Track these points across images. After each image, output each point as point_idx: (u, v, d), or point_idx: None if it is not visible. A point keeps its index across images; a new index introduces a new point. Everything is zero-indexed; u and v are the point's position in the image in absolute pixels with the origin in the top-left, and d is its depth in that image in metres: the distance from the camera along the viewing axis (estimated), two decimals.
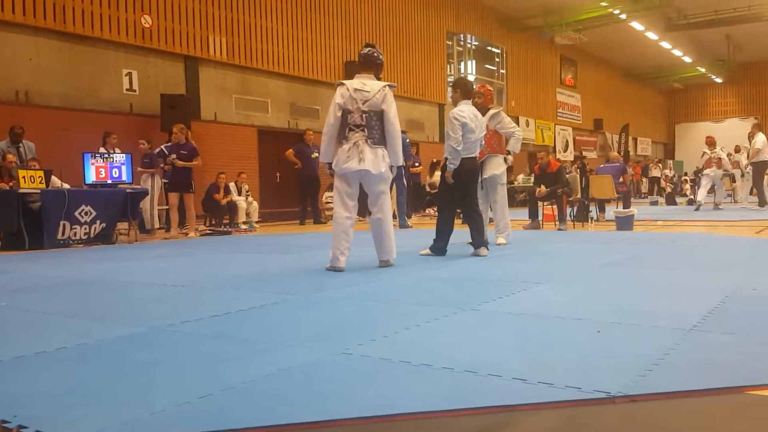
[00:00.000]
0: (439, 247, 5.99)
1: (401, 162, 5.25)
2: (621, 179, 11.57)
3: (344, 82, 5.11)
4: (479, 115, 6.20)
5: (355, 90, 4.97)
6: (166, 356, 2.57)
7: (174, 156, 9.31)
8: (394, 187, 10.15)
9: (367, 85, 5.01)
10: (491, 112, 6.97)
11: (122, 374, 2.34)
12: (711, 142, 13.85)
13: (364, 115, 4.96)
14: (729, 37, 26.96)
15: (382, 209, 5.16)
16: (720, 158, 13.59)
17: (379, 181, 5.08)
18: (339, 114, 4.99)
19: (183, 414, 1.89)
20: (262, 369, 2.32)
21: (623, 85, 31.20)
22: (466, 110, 5.99)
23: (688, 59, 28.92)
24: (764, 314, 3.13)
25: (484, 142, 6.46)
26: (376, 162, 4.99)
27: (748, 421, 1.83)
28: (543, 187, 9.35)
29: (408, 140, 10.87)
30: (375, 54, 5.17)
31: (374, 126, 4.98)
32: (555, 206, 9.58)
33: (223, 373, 2.29)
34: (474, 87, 6.61)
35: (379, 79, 5.17)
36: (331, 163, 5.10)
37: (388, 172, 5.13)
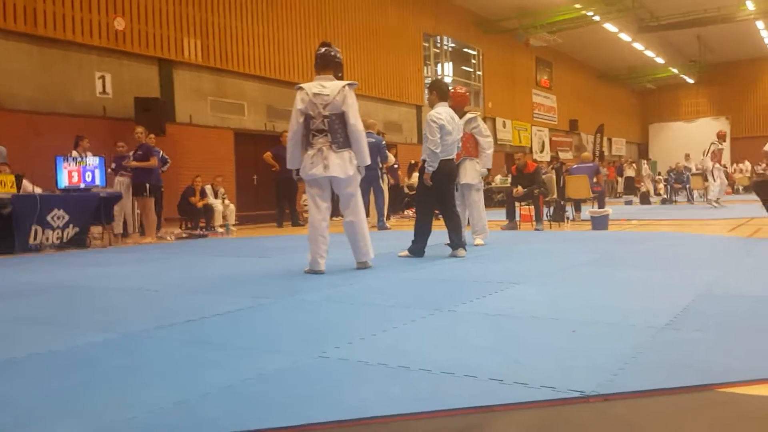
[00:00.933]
0: (417, 249, 6.00)
1: (367, 162, 5.15)
2: (595, 179, 11.71)
3: (303, 86, 5.02)
4: (456, 117, 6.24)
5: (315, 94, 4.90)
6: (140, 362, 2.55)
7: (130, 158, 9.25)
8: (371, 190, 10.15)
9: (326, 87, 4.92)
10: (468, 116, 6.98)
11: (95, 381, 2.31)
12: (722, 135, 14.10)
13: (326, 120, 4.91)
14: (700, 39, 27.44)
15: (354, 212, 5.14)
16: (721, 150, 13.87)
17: (347, 184, 5.05)
18: (301, 120, 4.96)
19: (158, 421, 1.87)
20: (239, 374, 2.31)
21: (598, 86, 31.58)
22: (443, 112, 6.02)
23: (660, 60, 29.39)
24: (734, 313, 3.19)
25: (460, 144, 6.50)
26: (343, 166, 4.96)
27: (717, 419, 1.86)
28: (520, 188, 9.43)
29: (384, 142, 10.86)
30: (332, 53, 5.07)
31: (337, 130, 4.93)
32: (532, 206, 9.66)
33: (199, 379, 2.27)
34: (454, 89, 6.63)
35: (338, 78, 5.07)
36: (298, 170, 5.09)
37: (356, 174, 5.10)
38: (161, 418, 1.89)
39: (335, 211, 5.79)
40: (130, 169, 9.39)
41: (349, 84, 5.00)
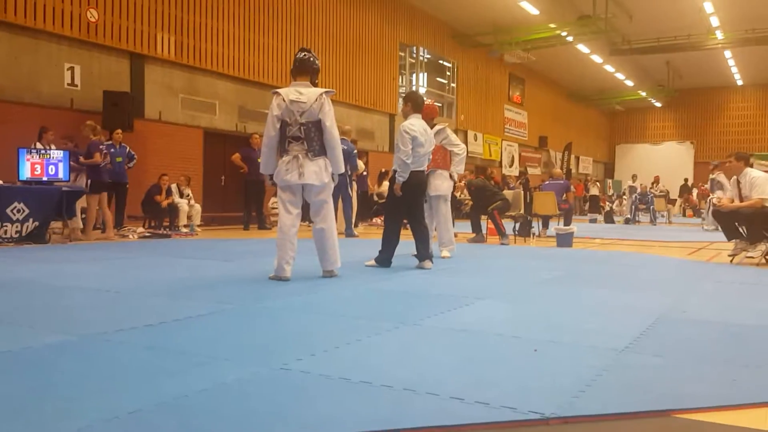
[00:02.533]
0: (384, 259, 6.00)
1: (342, 170, 5.16)
2: (564, 197, 11.87)
3: (279, 91, 5.02)
4: (429, 129, 6.27)
5: (292, 102, 4.89)
6: (96, 367, 2.48)
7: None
8: (339, 197, 10.13)
9: (303, 94, 4.92)
10: (437, 127, 7.02)
11: (49, 386, 2.24)
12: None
13: (302, 128, 4.91)
14: (669, 64, 28.12)
15: (325, 219, 5.12)
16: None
17: (320, 191, 5.04)
18: (278, 126, 4.96)
19: (111, 430, 1.82)
20: (196, 383, 2.26)
21: (568, 105, 32.08)
22: (416, 124, 6.04)
23: (630, 83, 30.04)
24: (692, 337, 3.25)
25: (430, 156, 6.53)
26: (318, 173, 4.96)
27: None
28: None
29: (356, 150, 10.84)
30: (311, 59, 5.08)
31: (313, 137, 4.93)
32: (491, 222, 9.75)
33: (155, 387, 2.22)
34: (425, 101, 6.66)
35: (315, 84, 5.08)
36: (272, 175, 5.08)
37: (330, 182, 5.09)
38: (115, 428, 1.84)
39: (304, 217, 5.75)
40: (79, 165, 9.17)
41: (326, 92, 5.01)
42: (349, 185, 10.51)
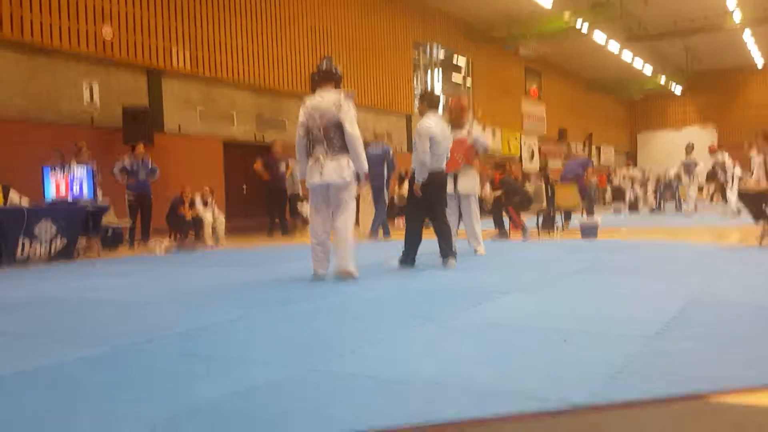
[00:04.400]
0: (407, 259, 5.99)
1: (365, 169, 5.19)
2: (585, 173, 11.75)
3: (305, 99, 5.23)
4: (446, 127, 6.26)
5: (313, 107, 5.10)
6: (130, 377, 2.52)
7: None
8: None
9: (324, 98, 5.10)
10: (467, 127, 7.22)
11: (84, 398, 2.28)
12: (712, 150, 14.41)
13: (323, 130, 5.07)
14: (687, 48, 27.69)
15: (343, 218, 5.18)
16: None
17: (339, 189, 5.12)
18: (302, 132, 5.17)
19: None
20: (228, 387, 2.29)
21: (586, 96, 31.77)
22: (433, 122, 6.03)
23: (648, 70, 29.62)
24: (723, 320, 3.21)
25: (460, 155, 6.63)
26: (339, 171, 5.04)
27: (708, 428, 1.86)
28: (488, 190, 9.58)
29: (392, 152, 10.70)
30: (333, 69, 5.25)
31: (333, 138, 5.06)
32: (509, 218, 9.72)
33: (189, 393, 2.25)
34: (440, 99, 6.72)
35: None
36: None
37: (353, 181, 5.13)
38: None
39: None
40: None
41: (346, 94, 5.14)
42: (387, 188, 10.44)
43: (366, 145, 5.73)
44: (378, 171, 10.05)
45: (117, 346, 3.03)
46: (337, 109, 5.02)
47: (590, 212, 11.49)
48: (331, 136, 5.04)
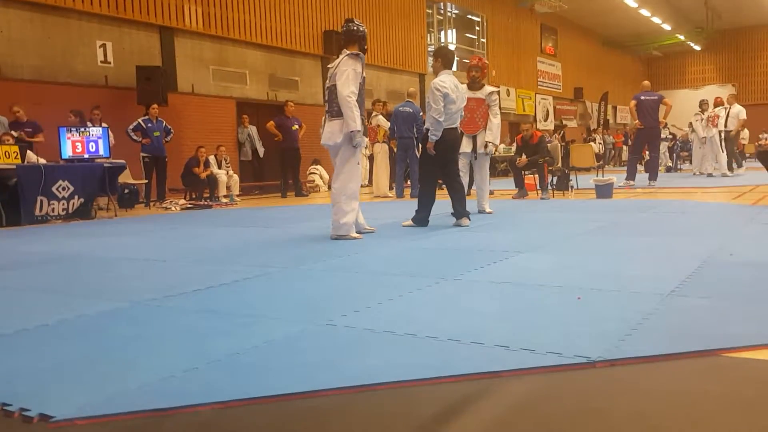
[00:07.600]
0: (421, 218, 6.00)
1: (354, 127, 4.97)
2: (660, 110, 11.64)
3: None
4: (460, 85, 6.19)
5: (328, 69, 5.23)
6: (149, 331, 2.57)
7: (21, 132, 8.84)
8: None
9: (334, 61, 5.17)
10: (489, 89, 7.27)
11: (105, 350, 2.33)
12: (718, 102, 13.94)
13: (327, 91, 5.21)
14: (707, 4, 26.97)
15: (337, 179, 5.21)
16: (718, 116, 13.68)
17: (335, 152, 5.17)
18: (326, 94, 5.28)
19: (168, 387, 1.90)
20: (246, 341, 2.33)
21: (603, 54, 31.17)
22: (447, 80, 5.96)
23: (667, 27, 28.91)
24: (739, 279, 3.20)
25: (478, 116, 6.70)
26: (332, 134, 5.08)
27: (722, 383, 1.88)
28: (524, 157, 9.40)
29: (421, 113, 10.48)
30: (353, 28, 5.18)
31: (333, 99, 5.08)
32: (536, 175, 9.66)
33: (207, 347, 2.29)
34: (455, 56, 6.67)
35: (364, 51, 5.18)
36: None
37: (344, 142, 5.06)
38: (172, 385, 1.91)
39: None
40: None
41: (349, 54, 5.04)
42: (416, 147, 10.31)
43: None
44: (405, 129, 10.10)
45: (137, 301, 3.09)
46: (335, 69, 5.06)
47: (653, 175, 11.40)
48: (332, 99, 5.09)
